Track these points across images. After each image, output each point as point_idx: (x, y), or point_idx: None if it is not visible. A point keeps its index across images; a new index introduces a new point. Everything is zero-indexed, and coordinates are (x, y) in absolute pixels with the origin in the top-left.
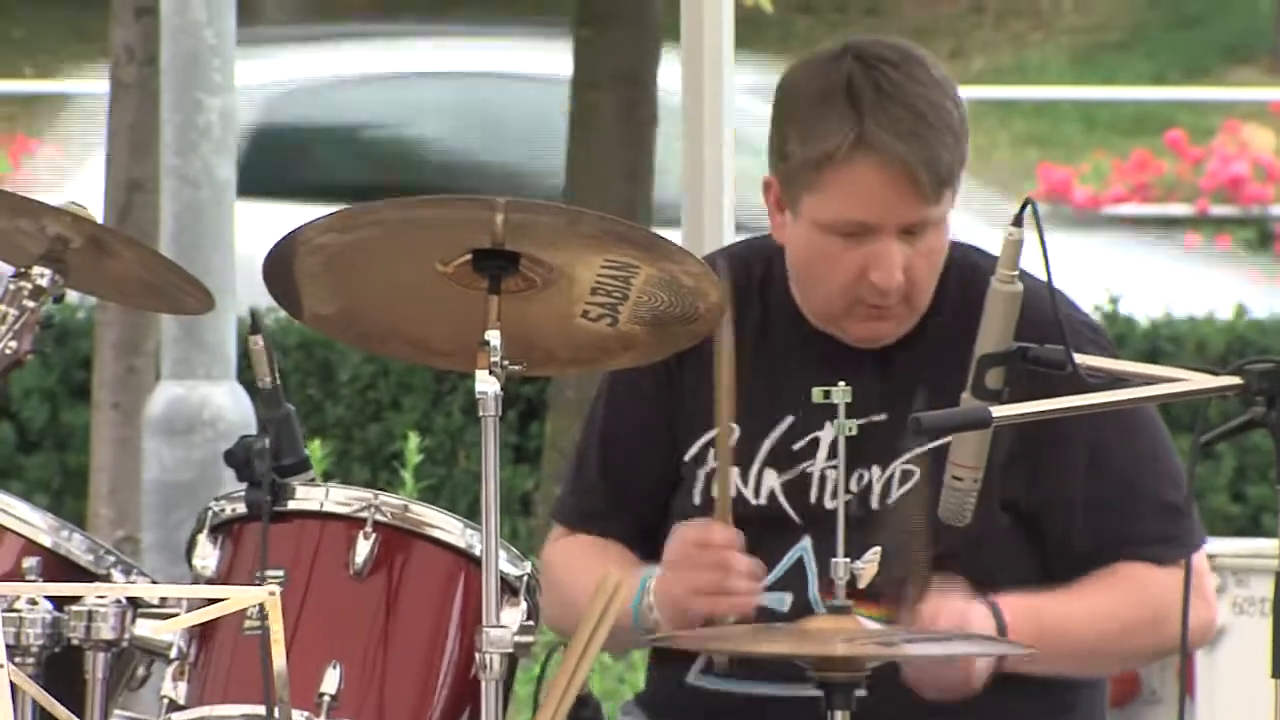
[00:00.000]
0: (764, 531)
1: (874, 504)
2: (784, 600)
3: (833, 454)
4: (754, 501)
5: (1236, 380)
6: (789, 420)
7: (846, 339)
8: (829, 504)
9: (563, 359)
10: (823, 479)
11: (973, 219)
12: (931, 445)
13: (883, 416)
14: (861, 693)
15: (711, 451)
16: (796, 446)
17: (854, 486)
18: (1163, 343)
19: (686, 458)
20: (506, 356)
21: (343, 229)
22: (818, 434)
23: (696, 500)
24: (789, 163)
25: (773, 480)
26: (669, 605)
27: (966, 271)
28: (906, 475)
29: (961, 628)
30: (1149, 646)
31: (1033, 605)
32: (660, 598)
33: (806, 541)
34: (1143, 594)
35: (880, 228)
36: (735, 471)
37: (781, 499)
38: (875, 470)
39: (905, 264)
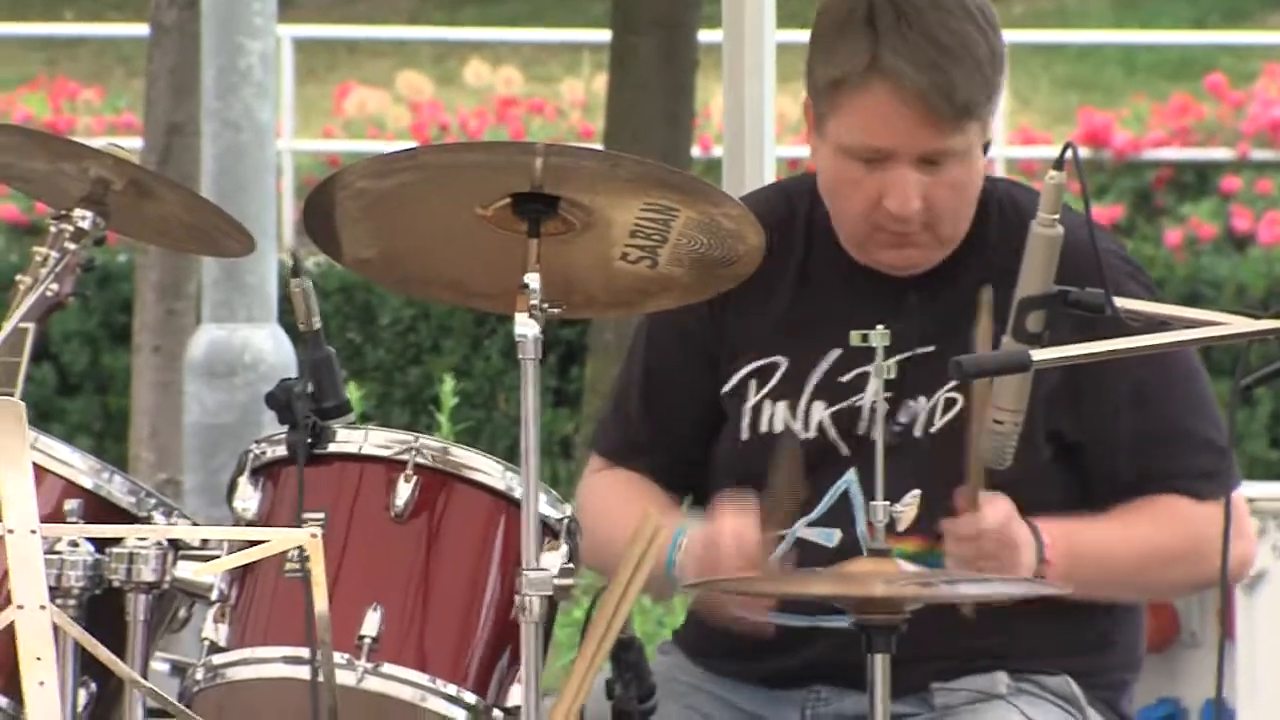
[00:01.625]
0: (813, 463)
1: (917, 433)
2: (832, 536)
3: (884, 386)
4: (803, 434)
5: (1278, 324)
6: (836, 353)
7: (882, 268)
8: (876, 436)
9: (602, 301)
10: (872, 411)
11: None
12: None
13: (930, 349)
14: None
15: (752, 385)
16: (844, 379)
17: (903, 419)
18: (1202, 286)
19: (725, 390)
20: (546, 299)
21: (382, 173)
22: (866, 368)
23: (744, 435)
24: (814, 84)
25: (821, 412)
26: (693, 572)
27: (1009, 207)
28: (950, 404)
29: (1003, 536)
30: (1187, 578)
31: (1071, 530)
32: (690, 562)
33: (852, 474)
34: (1183, 526)
35: (896, 154)
36: (784, 405)
37: (831, 430)
38: (921, 400)
39: (925, 192)
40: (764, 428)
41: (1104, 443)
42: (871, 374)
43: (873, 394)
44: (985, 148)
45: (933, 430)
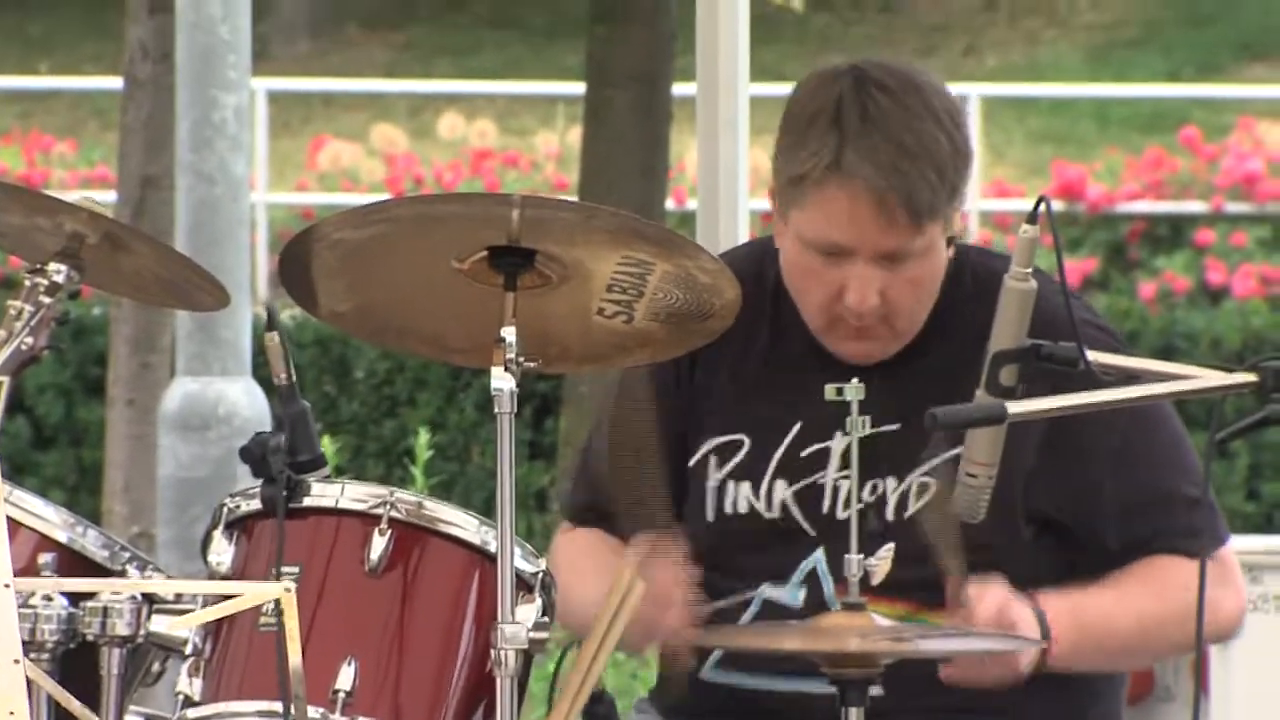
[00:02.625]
0: (777, 544)
1: (889, 516)
2: (797, 595)
3: (844, 464)
4: (767, 514)
5: (1252, 377)
6: (796, 427)
7: (840, 356)
8: (840, 514)
9: (578, 356)
10: (835, 489)
11: None
12: (951, 454)
13: (895, 426)
14: (878, 690)
15: (713, 462)
16: (805, 454)
17: (868, 496)
18: (1177, 339)
19: (690, 464)
20: (522, 353)
21: (358, 225)
22: (828, 444)
23: (710, 517)
24: (779, 176)
25: (783, 491)
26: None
27: (982, 274)
28: (924, 488)
29: (1002, 622)
30: (1184, 638)
31: (1073, 603)
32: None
33: (819, 553)
34: (1175, 587)
35: (856, 251)
36: (747, 485)
37: (794, 510)
38: (891, 482)
39: (884, 288)
40: (728, 509)
41: (1089, 515)
42: (833, 447)
43: (835, 471)
44: (950, 241)
45: (906, 515)
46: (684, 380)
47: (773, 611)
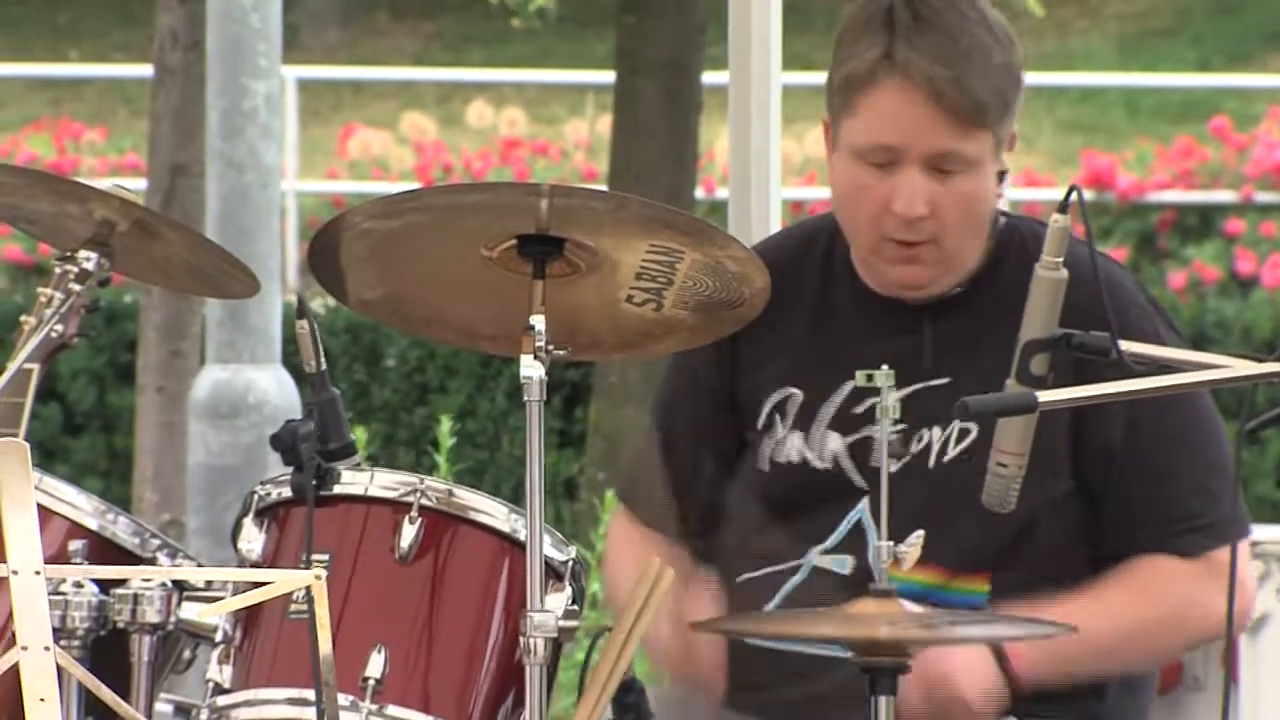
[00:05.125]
0: (828, 494)
1: (930, 463)
2: (845, 563)
3: (895, 419)
4: (818, 465)
5: None
6: (849, 386)
7: (891, 290)
8: (891, 467)
9: (607, 344)
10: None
11: None
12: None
13: (944, 380)
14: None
15: (778, 418)
16: (858, 410)
17: (914, 447)
18: (1208, 329)
19: (759, 425)
20: (551, 341)
21: (387, 215)
22: (878, 400)
23: (762, 467)
24: (831, 88)
25: (836, 443)
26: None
27: (1031, 242)
28: (964, 433)
29: (929, 682)
30: (1171, 644)
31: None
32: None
33: (864, 504)
34: (1165, 592)
35: (905, 153)
36: (799, 435)
37: (846, 462)
38: (936, 430)
39: (931, 199)
40: (781, 458)
41: (1099, 488)
42: (878, 411)
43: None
44: (1001, 176)
45: (945, 460)
46: (726, 357)
47: (821, 578)
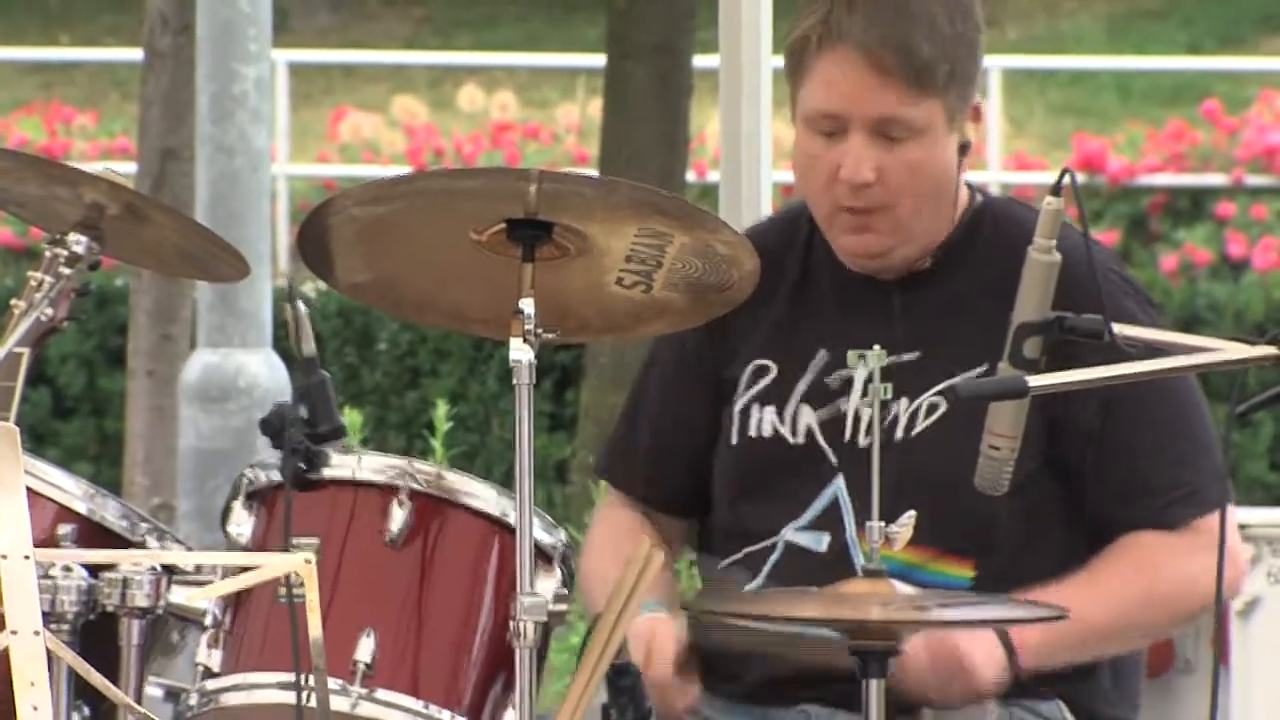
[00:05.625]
0: (800, 469)
1: (898, 435)
2: (821, 540)
3: (867, 391)
4: (792, 440)
5: (1273, 350)
6: (822, 356)
7: (849, 260)
8: (862, 442)
9: (596, 326)
10: (857, 417)
11: None
12: (963, 376)
13: (914, 354)
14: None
15: (742, 385)
16: (830, 382)
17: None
18: (1199, 311)
19: (734, 399)
20: (540, 324)
21: (377, 199)
22: (850, 372)
23: (734, 440)
24: (785, 58)
25: (809, 417)
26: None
27: (1004, 220)
28: (932, 408)
29: (939, 656)
30: (1168, 618)
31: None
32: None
33: (840, 481)
34: (1153, 567)
35: (849, 120)
36: (772, 410)
37: (819, 437)
38: (904, 402)
39: (878, 166)
40: (752, 432)
41: (1076, 467)
42: (857, 376)
43: (856, 401)
44: (963, 149)
45: (913, 433)
46: (714, 333)
47: (795, 556)
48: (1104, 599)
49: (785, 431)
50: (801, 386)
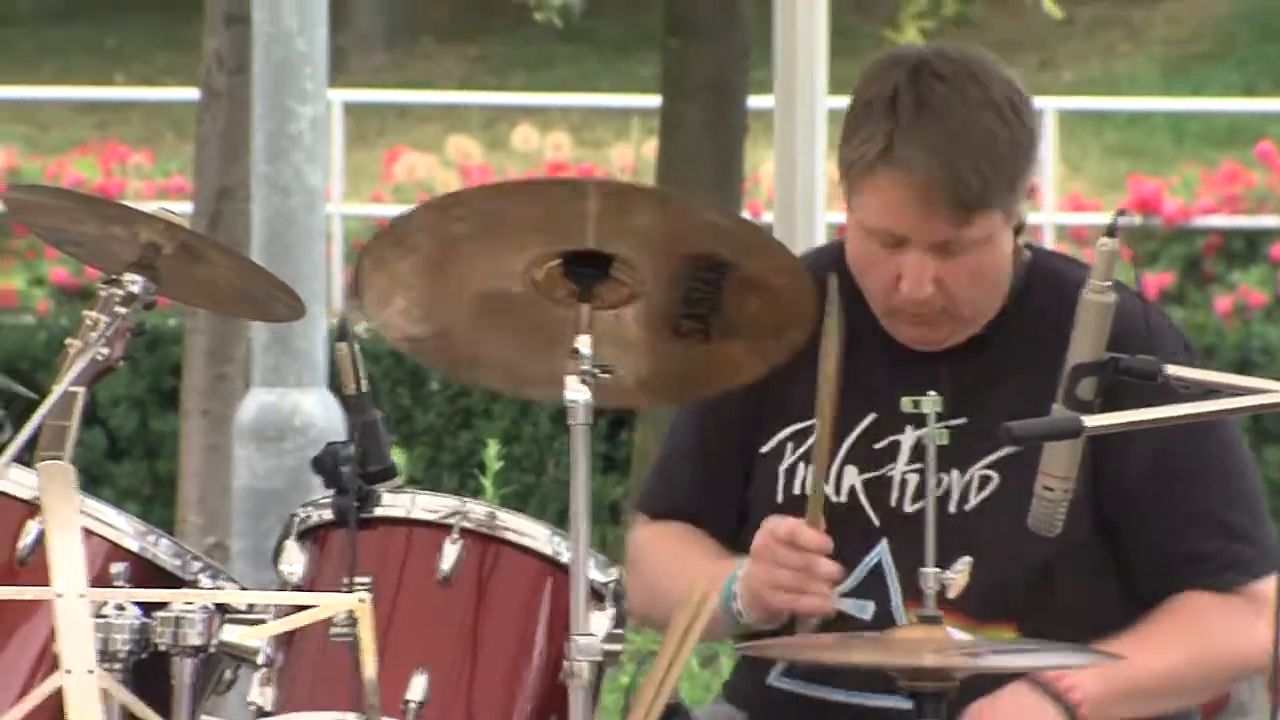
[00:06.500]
0: (843, 530)
1: (951, 509)
2: (866, 608)
3: (914, 458)
4: (835, 498)
5: None
6: (870, 418)
7: (901, 339)
8: (908, 508)
9: (651, 387)
10: (903, 483)
11: None
12: (1011, 450)
13: (961, 421)
14: None
15: (789, 447)
16: (877, 446)
17: (935, 490)
18: (1253, 354)
19: (763, 450)
20: (596, 365)
21: (434, 218)
22: (898, 437)
23: (779, 498)
24: (840, 163)
25: (853, 477)
26: (751, 597)
27: (1051, 280)
28: (985, 480)
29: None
30: (1219, 677)
31: (1100, 674)
32: (744, 589)
33: (884, 545)
34: (1207, 629)
35: (908, 239)
36: (815, 467)
37: (862, 497)
38: (955, 474)
39: (941, 276)
40: (796, 489)
41: (1122, 529)
42: (903, 441)
43: (904, 465)
44: (1018, 229)
45: (966, 508)
46: (752, 389)
47: (840, 624)
48: (1159, 655)
49: (828, 489)
50: (846, 445)
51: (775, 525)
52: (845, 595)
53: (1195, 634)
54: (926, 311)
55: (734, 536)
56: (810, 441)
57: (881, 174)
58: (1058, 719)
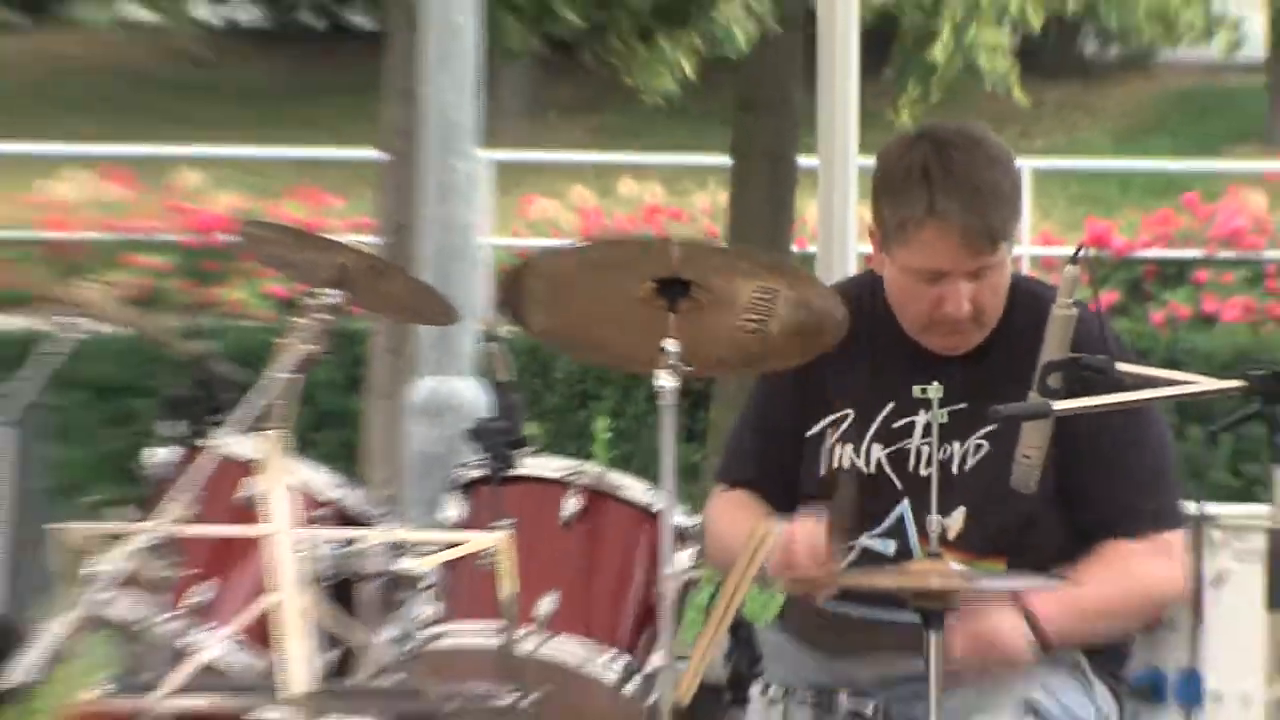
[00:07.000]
0: (873, 495)
1: (954, 470)
2: (889, 545)
3: (926, 434)
4: (866, 471)
5: (1239, 383)
6: (890, 405)
7: (936, 349)
8: (923, 472)
9: (729, 362)
10: (918, 453)
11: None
12: (998, 427)
13: (963, 406)
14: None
15: (829, 432)
16: (896, 426)
17: (940, 457)
18: (1180, 354)
19: (808, 434)
20: (681, 360)
21: (558, 259)
22: (914, 418)
23: (820, 472)
24: (884, 224)
25: (879, 452)
26: (773, 567)
27: (1028, 299)
28: (978, 448)
29: (979, 640)
30: (1142, 610)
31: (1057, 599)
32: (771, 559)
33: (905, 503)
34: (1130, 570)
35: (952, 272)
36: (850, 447)
37: (887, 468)
38: (956, 445)
39: (973, 296)
40: (835, 464)
41: (1074, 484)
42: (917, 421)
43: (918, 440)
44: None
45: (966, 469)
46: (814, 375)
47: (870, 558)
48: (1095, 587)
49: (860, 463)
50: (873, 429)
51: (799, 538)
52: (874, 537)
53: (1124, 574)
54: (962, 322)
55: (787, 500)
56: (845, 427)
57: (929, 227)
58: (1019, 623)
